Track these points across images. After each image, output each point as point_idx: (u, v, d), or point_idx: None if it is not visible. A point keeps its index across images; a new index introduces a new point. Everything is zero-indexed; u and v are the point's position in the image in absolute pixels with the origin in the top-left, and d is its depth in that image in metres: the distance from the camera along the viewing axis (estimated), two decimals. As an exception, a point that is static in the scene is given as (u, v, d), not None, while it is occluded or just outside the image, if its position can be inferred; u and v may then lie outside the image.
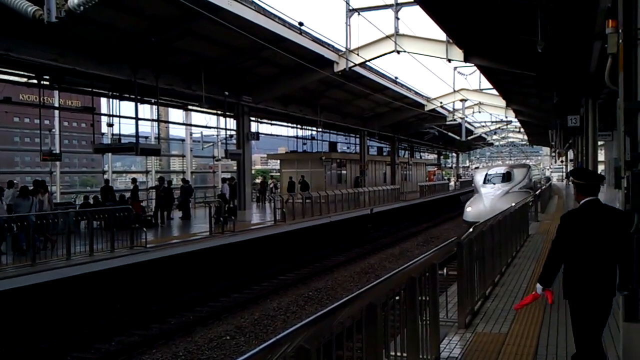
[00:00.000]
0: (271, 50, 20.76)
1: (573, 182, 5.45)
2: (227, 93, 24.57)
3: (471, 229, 8.15)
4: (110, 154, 29.38)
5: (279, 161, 48.19)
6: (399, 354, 4.97)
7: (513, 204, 14.60)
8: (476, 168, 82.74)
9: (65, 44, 17.30)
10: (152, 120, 29.94)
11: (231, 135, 28.85)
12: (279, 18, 20.83)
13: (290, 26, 21.54)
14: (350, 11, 25.22)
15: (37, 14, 11.17)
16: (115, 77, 20.06)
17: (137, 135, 21.63)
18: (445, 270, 7.31)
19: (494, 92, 36.47)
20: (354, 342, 4.01)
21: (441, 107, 42.77)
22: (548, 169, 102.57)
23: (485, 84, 37.20)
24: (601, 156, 32.46)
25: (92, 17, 16.02)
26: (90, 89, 21.65)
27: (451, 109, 46.30)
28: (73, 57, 17.84)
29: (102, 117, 27.48)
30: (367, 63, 27.25)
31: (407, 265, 5.35)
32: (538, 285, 5.40)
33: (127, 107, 22.67)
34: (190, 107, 28.20)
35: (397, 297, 5.00)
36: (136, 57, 19.48)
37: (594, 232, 5.08)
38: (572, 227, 5.16)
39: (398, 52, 24.68)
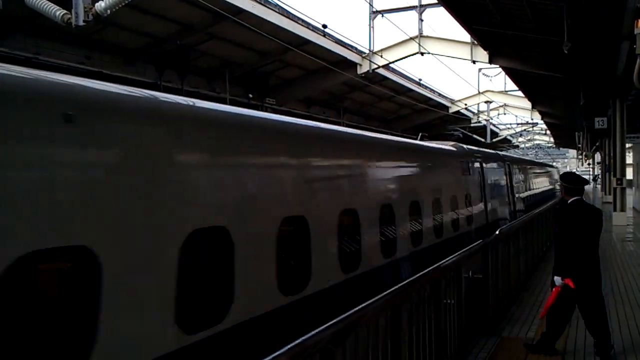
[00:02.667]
0: (295, 53, 20.83)
1: (562, 184, 6.57)
2: (251, 95, 24.69)
3: (497, 232, 8.07)
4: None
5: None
6: (423, 356, 4.93)
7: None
8: None
9: (92, 47, 17.57)
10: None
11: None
12: (303, 21, 20.90)
13: (313, 29, 21.59)
14: (374, 13, 25.21)
15: (66, 18, 11.36)
16: (141, 80, 20.30)
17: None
18: (470, 273, 7.21)
19: (520, 93, 36.15)
20: (379, 344, 3.99)
21: (465, 108, 42.46)
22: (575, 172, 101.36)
23: (511, 85, 36.91)
24: (629, 159, 31.96)
25: (119, 20, 16.25)
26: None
27: (476, 111, 45.94)
28: (100, 60, 18.10)
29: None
30: (391, 65, 27.17)
31: (432, 268, 5.31)
32: (557, 278, 6.15)
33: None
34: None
35: (422, 300, 4.97)
36: (162, 60, 19.67)
37: (582, 225, 6.20)
38: (566, 222, 6.24)
39: (422, 53, 24.58)
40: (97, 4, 11.41)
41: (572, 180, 6.49)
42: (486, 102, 42.30)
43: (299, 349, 2.88)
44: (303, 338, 2.97)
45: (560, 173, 7.35)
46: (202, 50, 20.47)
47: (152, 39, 18.84)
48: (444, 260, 5.73)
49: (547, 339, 6.39)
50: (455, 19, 18.13)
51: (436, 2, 23.77)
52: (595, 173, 65.46)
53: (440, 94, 39.19)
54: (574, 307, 6.36)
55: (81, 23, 11.36)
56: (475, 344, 6.76)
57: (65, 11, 11.48)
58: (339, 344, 3.32)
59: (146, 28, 18.10)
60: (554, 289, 6.25)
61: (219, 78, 22.50)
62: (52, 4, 11.64)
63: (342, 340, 3.37)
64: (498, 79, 45.51)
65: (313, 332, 3.09)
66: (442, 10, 19.95)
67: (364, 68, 25.47)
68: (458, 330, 5.84)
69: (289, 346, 2.85)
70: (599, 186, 54.46)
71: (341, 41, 23.98)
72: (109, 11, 11.52)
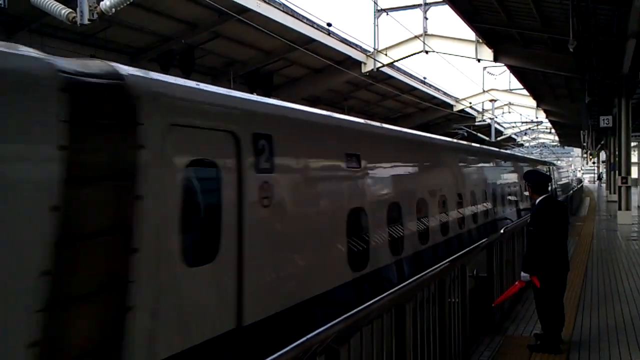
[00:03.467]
0: (299, 52, 20.82)
1: (527, 184, 6.78)
2: (255, 94, 24.68)
3: (502, 231, 8.08)
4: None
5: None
6: (427, 355, 4.93)
7: None
8: None
9: (97, 45, 17.60)
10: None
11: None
12: (307, 19, 20.89)
13: (318, 27, 21.58)
14: (379, 11, 25.17)
15: (71, 17, 11.41)
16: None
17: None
18: (475, 272, 7.21)
19: (524, 92, 36.05)
20: (384, 343, 3.99)
21: (470, 107, 42.36)
22: (579, 170, 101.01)
23: (515, 83, 36.81)
24: (634, 157, 31.87)
25: (124, 19, 16.29)
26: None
27: (480, 110, 45.82)
28: (104, 58, 18.10)
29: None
30: (395, 63, 27.14)
31: (437, 267, 5.31)
32: (525, 275, 6.35)
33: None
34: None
35: (427, 299, 4.96)
36: (167, 58, 19.71)
37: (556, 221, 6.45)
38: (542, 220, 6.38)
39: (427, 52, 24.55)
40: (101, 3, 11.46)
41: (538, 179, 6.72)
42: (491, 100, 42.18)
43: (304, 347, 2.88)
44: (308, 336, 2.97)
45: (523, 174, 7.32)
46: (207, 49, 20.49)
47: (157, 38, 18.87)
48: (449, 259, 5.73)
49: (548, 338, 6.40)
50: (460, 17, 18.11)
51: (441, 0, 23.75)
52: (600, 171, 65.21)
53: (444, 93, 39.09)
54: (562, 300, 6.52)
55: (86, 22, 11.41)
56: (479, 342, 6.75)
57: (70, 10, 11.53)
58: (344, 342, 3.33)
59: (151, 27, 18.13)
60: (517, 283, 6.57)
61: (223, 77, 22.52)
62: (58, 3, 11.69)
63: (347, 339, 3.37)
64: (503, 77, 45.36)
65: (318, 330, 3.09)
66: (447, 9, 19.94)
67: (368, 66, 25.44)
68: (462, 329, 5.83)
69: (294, 344, 2.85)
70: (603, 185, 54.30)
71: (346, 40, 23.96)
72: (113, 10, 11.57)
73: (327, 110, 9.11)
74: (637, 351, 6.34)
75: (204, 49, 20.34)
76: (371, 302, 3.84)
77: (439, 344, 5.15)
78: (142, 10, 16.64)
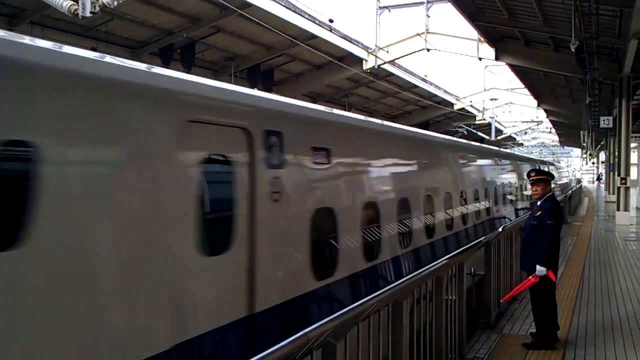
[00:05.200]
0: (301, 47, 20.82)
1: (542, 179, 6.73)
2: (256, 89, 24.68)
3: (500, 229, 8.10)
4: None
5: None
6: (423, 351, 4.95)
7: None
8: None
9: (98, 38, 17.59)
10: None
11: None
12: (309, 15, 20.87)
13: (320, 23, 21.56)
14: (381, 8, 25.15)
15: (72, 9, 11.41)
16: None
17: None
18: (472, 270, 7.24)
19: (525, 91, 36.04)
20: (380, 339, 4.01)
21: (470, 105, 42.36)
22: (579, 171, 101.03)
23: (516, 83, 36.78)
24: (634, 158, 31.87)
25: (125, 12, 16.27)
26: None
27: (481, 108, 45.84)
28: (105, 51, 18.12)
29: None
30: (396, 61, 27.13)
31: (435, 264, 5.33)
32: (541, 268, 6.30)
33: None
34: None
35: (424, 296, 4.98)
36: (168, 52, 19.70)
37: (561, 217, 6.86)
38: (558, 215, 6.61)
39: (428, 49, 24.54)
40: (104, -4, 11.46)
41: (548, 174, 6.94)
42: (491, 99, 42.20)
43: (301, 341, 2.90)
44: (305, 330, 2.99)
45: (529, 171, 7.30)
46: (209, 43, 20.47)
47: (159, 31, 18.85)
48: (447, 257, 5.75)
49: (544, 336, 6.43)
50: (462, 15, 18.11)
51: (443, -2, 23.73)
52: (600, 172, 65.26)
53: (445, 91, 39.10)
54: (554, 296, 6.63)
55: (88, 14, 11.43)
56: (475, 340, 6.78)
57: (72, 2, 11.53)
58: (341, 337, 3.34)
59: (153, 20, 18.11)
60: (531, 278, 6.42)
61: (224, 71, 22.52)
62: (60, -5, 11.68)
63: (344, 334, 3.39)
64: (503, 76, 45.42)
65: (315, 325, 3.10)
66: (449, 7, 19.92)
67: (369, 63, 25.44)
68: (459, 326, 5.85)
69: (291, 338, 2.87)
70: (602, 185, 54.33)
71: (347, 36, 23.94)
72: (115, 3, 11.57)
73: (328, 106, 9.21)
74: (633, 350, 6.37)
75: (205, 43, 20.33)
76: (369, 297, 3.86)
77: (435, 340, 5.18)
78: (144, 4, 16.64)
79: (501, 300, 7.58)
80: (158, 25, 18.46)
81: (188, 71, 20.90)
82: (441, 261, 5.48)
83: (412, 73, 32.00)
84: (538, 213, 6.63)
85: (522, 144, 75.45)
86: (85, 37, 17.22)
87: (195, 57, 21.06)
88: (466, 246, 6.69)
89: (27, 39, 3.70)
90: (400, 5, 25.77)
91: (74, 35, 16.81)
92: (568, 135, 58.38)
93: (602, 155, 53.13)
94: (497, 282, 7.72)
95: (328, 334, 3.16)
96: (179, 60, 20.39)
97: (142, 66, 4.72)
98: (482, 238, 7.44)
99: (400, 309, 4.27)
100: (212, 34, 19.75)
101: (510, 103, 44.26)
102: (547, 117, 43.94)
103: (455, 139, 16.60)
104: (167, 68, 20.00)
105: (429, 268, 5.10)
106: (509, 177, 18.45)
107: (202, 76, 5.43)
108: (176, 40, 19.27)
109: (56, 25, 16.40)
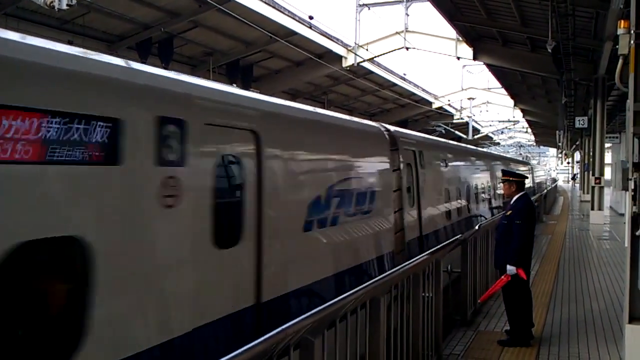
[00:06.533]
0: (280, 44, 20.75)
1: (512, 180, 6.82)
2: (234, 85, 24.54)
3: (476, 227, 8.17)
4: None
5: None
6: (400, 348, 4.98)
7: None
8: None
9: (75, 32, 17.34)
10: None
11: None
12: (289, 11, 20.80)
13: (300, 20, 21.51)
14: (360, 6, 25.19)
15: (49, 1, 11.23)
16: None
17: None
18: (449, 268, 7.31)
19: (502, 91, 36.38)
20: (357, 336, 4.02)
21: (449, 104, 42.65)
22: (554, 170, 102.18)
23: (494, 82, 37.11)
24: (608, 158, 32.32)
25: (103, 5, 16.06)
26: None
27: (459, 107, 46.18)
28: (82, 45, 17.87)
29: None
30: (376, 59, 27.20)
31: (412, 261, 5.35)
32: (512, 267, 6.39)
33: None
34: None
35: (401, 293, 5.01)
36: (145, 46, 19.49)
37: (534, 217, 6.97)
38: (529, 214, 6.69)
39: (407, 48, 24.64)
40: (81, -12, 11.30)
41: (519, 175, 7.09)
42: (469, 98, 42.54)
43: (278, 337, 2.89)
44: (283, 327, 2.98)
45: (502, 170, 7.40)
46: (187, 38, 20.30)
47: (136, 25, 18.63)
48: (423, 254, 5.79)
49: (518, 333, 6.51)
50: (441, 14, 18.20)
51: (422, -3, 23.84)
52: (575, 172, 66.12)
53: (423, 89, 39.29)
54: (529, 294, 6.75)
55: (64, 7, 11.28)
56: (452, 337, 6.83)
57: (48, -6, 11.34)
58: (319, 334, 3.34)
59: (130, 14, 17.89)
60: (503, 277, 6.52)
61: (203, 66, 22.36)
62: (35, -14, 11.49)
63: (321, 331, 3.39)
64: (481, 76, 45.85)
65: (292, 322, 3.10)
66: (428, 6, 20.01)
67: (349, 61, 25.47)
68: (435, 323, 5.89)
69: (268, 335, 2.86)
70: (577, 185, 55.06)
71: (327, 33, 23.93)
72: (93, -5, 11.41)
73: (308, 103, 9.12)
74: (604, 345, 6.48)
75: (184, 38, 20.15)
76: (347, 294, 3.87)
77: (412, 337, 5.20)
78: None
79: (479, 301, 7.69)
80: (136, 19, 18.25)
81: (166, 66, 20.73)
82: (418, 258, 5.52)
83: (391, 71, 32.09)
84: (508, 213, 6.72)
85: (498, 143, 76.15)
86: (61, 30, 16.95)
87: (173, 52, 20.88)
88: (443, 244, 6.74)
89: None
90: (380, 3, 25.85)
91: (50, 28, 16.53)
92: (544, 135, 59.02)
93: (577, 155, 53.83)
94: (474, 280, 7.79)
95: (306, 331, 3.16)
96: (157, 54, 20.19)
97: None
98: (458, 236, 7.50)
99: (378, 306, 4.28)
100: (190, 28, 19.59)
101: (488, 102, 44.66)
102: (524, 116, 44.39)
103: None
104: (145, 63, 19.87)
105: (405, 265, 5.13)
106: (486, 177, 18.90)
107: (181, 71, 5.45)
108: (154, 35, 19.06)
109: (32, 18, 16.11)
